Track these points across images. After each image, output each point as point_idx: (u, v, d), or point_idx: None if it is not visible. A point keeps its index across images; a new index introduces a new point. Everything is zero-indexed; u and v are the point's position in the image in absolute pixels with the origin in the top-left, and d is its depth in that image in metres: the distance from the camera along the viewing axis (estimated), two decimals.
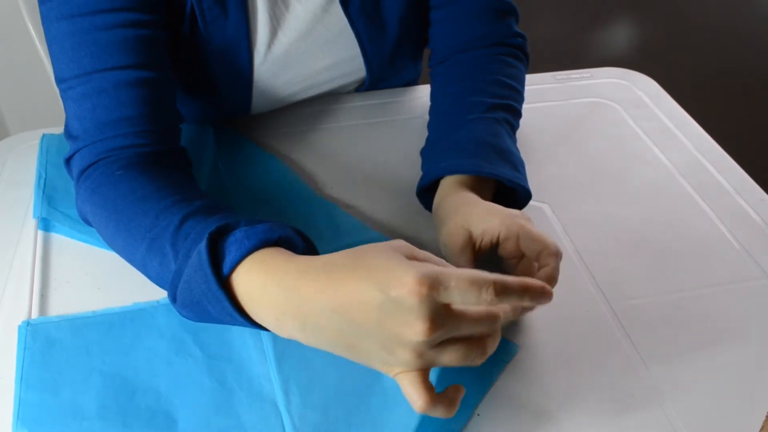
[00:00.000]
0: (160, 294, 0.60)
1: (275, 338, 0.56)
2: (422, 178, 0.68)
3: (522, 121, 0.76)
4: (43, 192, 0.69)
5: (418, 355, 0.43)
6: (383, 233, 0.67)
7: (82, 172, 0.61)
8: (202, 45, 0.72)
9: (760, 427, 0.52)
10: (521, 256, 0.57)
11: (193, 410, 0.51)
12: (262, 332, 0.56)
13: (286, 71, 0.78)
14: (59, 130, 0.73)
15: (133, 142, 0.61)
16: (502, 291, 0.42)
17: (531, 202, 0.69)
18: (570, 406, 0.53)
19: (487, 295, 0.41)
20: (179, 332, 0.57)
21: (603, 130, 0.84)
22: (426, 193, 0.68)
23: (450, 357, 0.44)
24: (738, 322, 0.60)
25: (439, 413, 0.44)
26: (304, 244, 0.51)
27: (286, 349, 0.55)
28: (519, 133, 0.73)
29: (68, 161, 0.63)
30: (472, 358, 0.44)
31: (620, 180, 0.76)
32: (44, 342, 0.56)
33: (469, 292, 0.41)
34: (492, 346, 0.45)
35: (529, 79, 0.88)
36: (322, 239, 0.60)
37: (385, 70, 0.84)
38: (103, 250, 0.64)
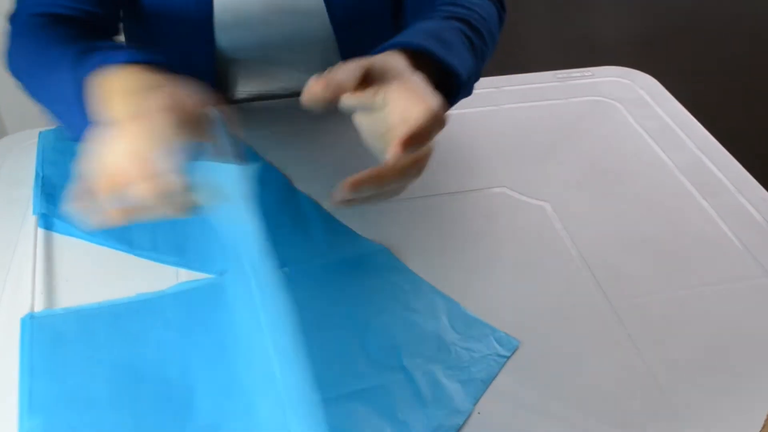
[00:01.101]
0: (165, 285, 0.60)
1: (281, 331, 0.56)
2: None
3: (523, 120, 0.76)
4: (42, 190, 0.69)
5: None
6: (374, 240, 0.66)
7: (17, 28, 0.66)
8: None
9: (761, 425, 0.52)
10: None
11: (203, 399, 0.52)
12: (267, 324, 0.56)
13: None
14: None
15: (78, 16, 0.67)
16: None
17: (532, 201, 0.69)
18: (570, 403, 0.53)
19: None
20: (186, 322, 0.57)
21: (604, 128, 0.84)
22: None
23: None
24: (739, 321, 0.60)
25: None
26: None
27: (291, 342, 0.55)
28: (518, 132, 0.72)
29: (11, 19, 0.67)
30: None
31: (621, 179, 0.76)
32: (51, 334, 0.56)
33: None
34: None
35: (530, 77, 0.88)
36: (317, 252, 0.64)
37: (349, 11, 0.79)
38: (103, 247, 0.64)
